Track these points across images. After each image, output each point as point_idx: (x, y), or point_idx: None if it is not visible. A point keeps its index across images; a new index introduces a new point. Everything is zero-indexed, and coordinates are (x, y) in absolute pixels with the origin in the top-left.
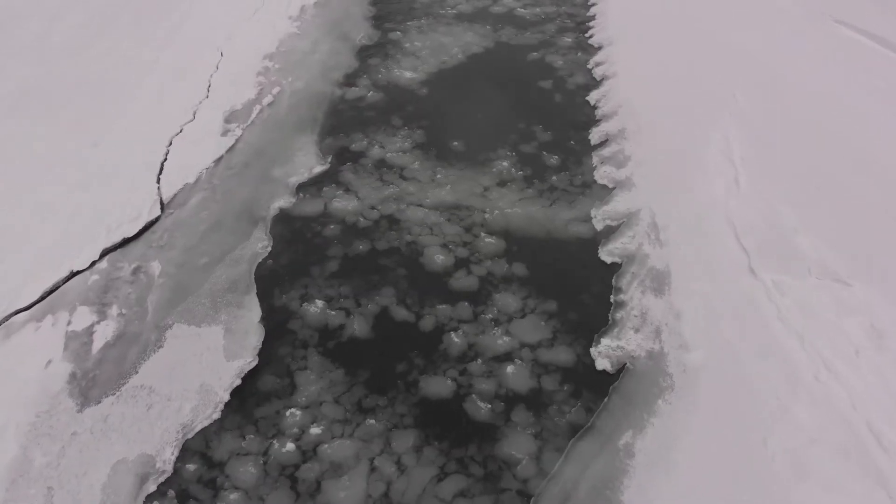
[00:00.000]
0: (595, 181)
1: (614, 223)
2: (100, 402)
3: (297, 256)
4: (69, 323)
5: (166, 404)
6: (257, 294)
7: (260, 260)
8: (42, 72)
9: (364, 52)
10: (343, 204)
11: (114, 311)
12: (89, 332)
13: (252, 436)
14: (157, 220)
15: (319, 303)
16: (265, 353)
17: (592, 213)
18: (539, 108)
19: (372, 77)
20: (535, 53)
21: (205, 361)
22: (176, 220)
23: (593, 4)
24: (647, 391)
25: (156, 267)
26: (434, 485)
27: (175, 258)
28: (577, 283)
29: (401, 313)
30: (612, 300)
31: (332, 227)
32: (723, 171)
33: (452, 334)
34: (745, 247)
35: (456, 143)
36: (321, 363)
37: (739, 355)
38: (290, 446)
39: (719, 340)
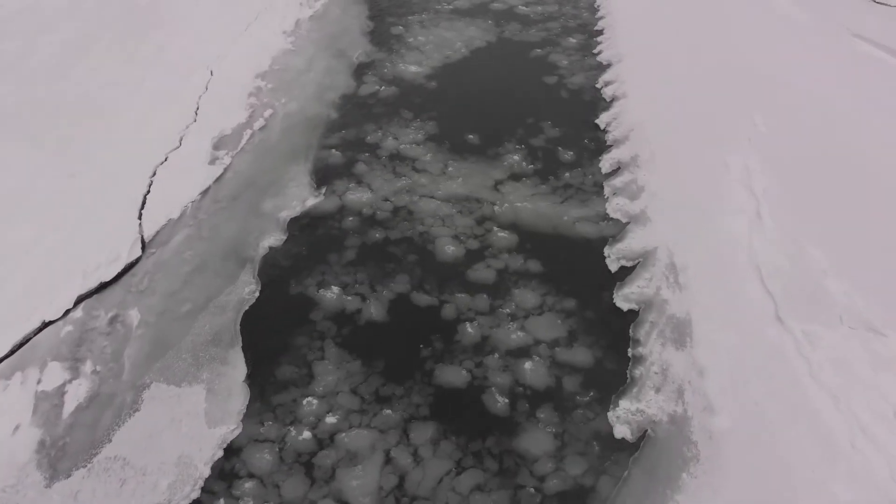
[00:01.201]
0: (608, 214)
1: (629, 263)
2: (70, 475)
3: (287, 300)
4: (39, 381)
5: (141, 479)
6: (242, 347)
7: (247, 307)
8: (20, 95)
9: (360, 68)
10: (357, 196)
11: (87, 367)
12: (61, 392)
13: (270, 422)
14: (137, 261)
15: (335, 288)
16: (282, 343)
17: (606, 251)
18: (546, 103)
19: (378, 72)
20: (538, 50)
21: (184, 429)
22: (157, 261)
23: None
24: (669, 463)
25: (134, 316)
26: (450, 477)
27: (155, 305)
28: (594, 334)
29: (410, 303)
30: (630, 354)
31: (349, 219)
32: (744, 205)
33: (466, 325)
34: (772, 291)
35: (465, 137)
36: (338, 354)
37: (769, 419)
38: (307, 434)
39: (747, 402)
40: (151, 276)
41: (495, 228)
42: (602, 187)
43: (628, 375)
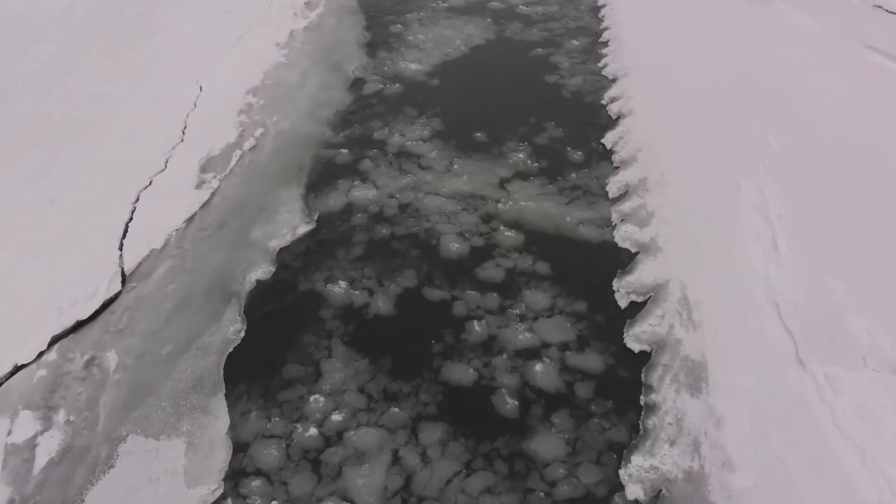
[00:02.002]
0: (616, 242)
1: (640, 298)
2: None
3: (273, 341)
4: (10, 433)
5: None
6: (226, 395)
7: (231, 349)
8: (4, 110)
9: (357, 85)
10: (363, 193)
11: (61, 417)
12: (32, 444)
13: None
14: (116, 296)
15: (343, 283)
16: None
17: (615, 285)
18: (548, 102)
19: (379, 69)
20: (540, 49)
21: (162, 488)
22: (138, 296)
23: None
24: None
25: (111, 358)
26: (458, 477)
27: (134, 347)
28: (604, 382)
29: (414, 302)
30: (642, 402)
31: (358, 216)
32: (759, 233)
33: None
34: (791, 330)
35: (469, 134)
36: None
37: (792, 476)
38: (313, 431)
39: (768, 456)
40: (131, 313)
41: (502, 227)
42: (606, 183)
43: (641, 426)
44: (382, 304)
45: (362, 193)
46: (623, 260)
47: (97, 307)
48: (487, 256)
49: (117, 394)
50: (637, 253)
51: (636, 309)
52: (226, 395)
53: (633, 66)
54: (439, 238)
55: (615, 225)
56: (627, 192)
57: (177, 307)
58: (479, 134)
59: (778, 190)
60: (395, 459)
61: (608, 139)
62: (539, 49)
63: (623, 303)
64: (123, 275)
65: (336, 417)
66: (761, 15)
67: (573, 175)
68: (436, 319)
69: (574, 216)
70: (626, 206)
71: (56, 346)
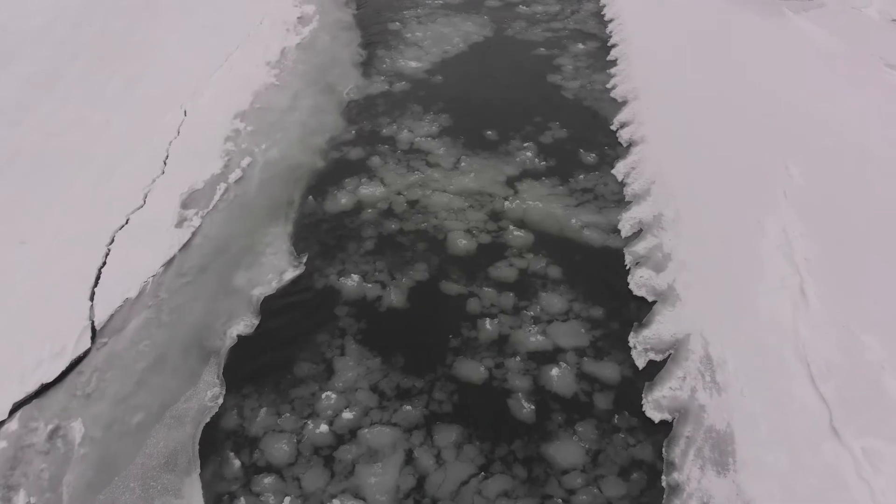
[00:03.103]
0: (630, 291)
1: (659, 356)
2: None
3: (252, 412)
4: None
5: None
6: (200, 474)
7: (208, 418)
8: None
9: (354, 107)
10: (371, 190)
11: (21, 498)
12: None
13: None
14: (85, 354)
15: (355, 277)
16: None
17: (631, 341)
18: (551, 100)
19: (378, 66)
20: (543, 49)
21: None
22: (109, 354)
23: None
24: None
25: (77, 429)
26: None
27: (103, 415)
28: (621, 462)
29: (422, 295)
30: (664, 481)
31: (365, 210)
32: (785, 279)
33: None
34: (824, 394)
35: (471, 129)
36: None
37: None
38: (324, 427)
39: None
40: (101, 374)
41: (510, 226)
42: (612, 184)
43: None
44: (395, 299)
45: (370, 191)
46: (639, 310)
47: (64, 368)
48: (498, 255)
49: (82, 472)
50: (654, 302)
51: (654, 368)
52: (200, 473)
53: (643, 87)
54: (446, 234)
55: (628, 268)
56: (641, 230)
57: (150, 367)
58: (480, 133)
59: (802, 228)
60: (409, 459)
61: (619, 169)
62: (542, 49)
63: (641, 362)
64: (94, 329)
65: (347, 415)
66: (776, 31)
67: (581, 176)
68: (434, 320)
69: (580, 218)
70: (640, 247)
71: (18, 414)
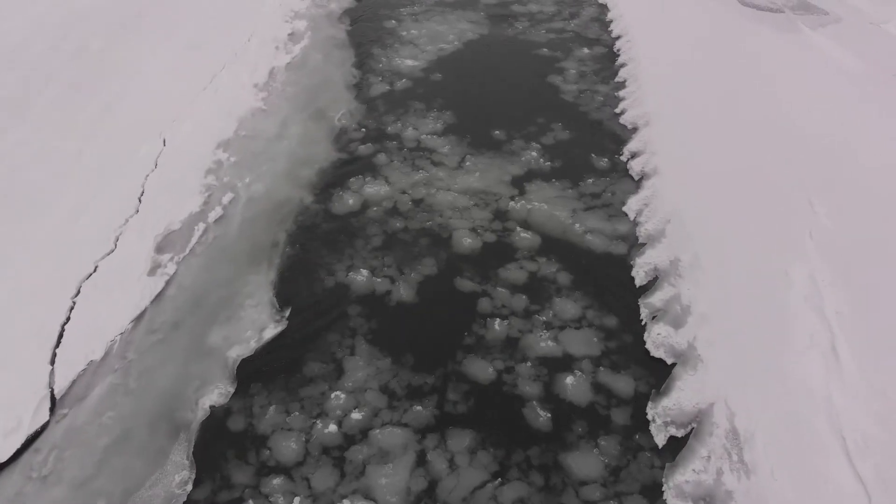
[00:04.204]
0: (646, 347)
1: (680, 432)
2: None
3: (230, 492)
4: None
5: None
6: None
7: None
8: None
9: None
10: (375, 189)
11: None
12: None
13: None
14: (43, 428)
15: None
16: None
17: (649, 413)
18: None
19: (373, 65)
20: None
21: None
22: (69, 428)
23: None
24: None
25: None
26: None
27: (60, 503)
28: None
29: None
30: None
31: (370, 208)
32: (815, 336)
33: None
34: (861, 475)
35: (471, 126)
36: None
37: None
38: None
39: None
40: (59, 453)
41: (515, 226)
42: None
43: None
44: (403, 294)
45: (375, 189)
46: (657, 373)
47: (18, 446)
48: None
49: None
50: (674, 365)
51: (676, 447)
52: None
53: (654, 112)
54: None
55: (644, 322)
56: (657, 277)
57: (114, 445)
58: (477, 127)
59: (831, 276)
60: (421, 461)
61: (631, 206)
62: (545, 49)
63: (661, 438)
64: (53, 399)
65: (356, 415)
66: (793, 49)
67: (591, 180)
68: (435, 317)
69: (584, 223)
70: (656, 299)
71: None
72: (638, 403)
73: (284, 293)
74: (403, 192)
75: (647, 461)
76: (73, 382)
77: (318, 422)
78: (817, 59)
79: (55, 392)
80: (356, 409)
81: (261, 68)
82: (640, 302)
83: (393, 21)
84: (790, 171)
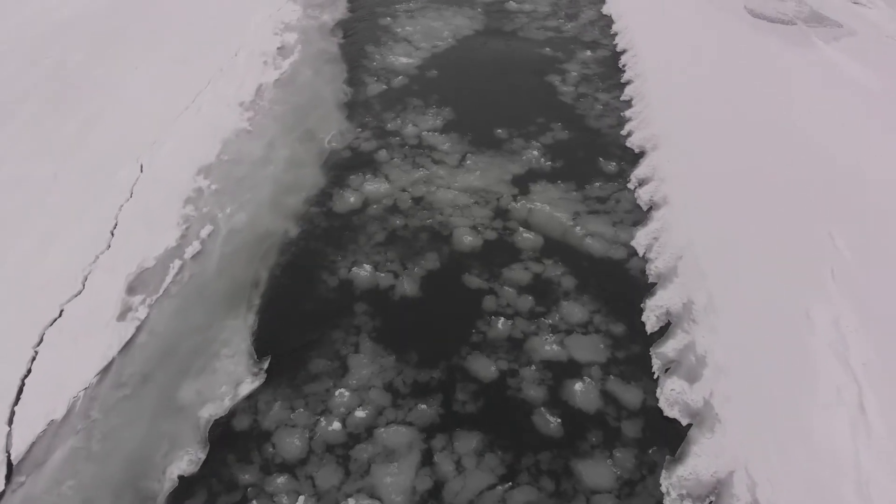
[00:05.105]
0: (659, 405)
1: None
2: None
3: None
4: None
5: None
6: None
7: None
8: None
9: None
10: (375, 187)
11: None
12: None
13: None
14: None
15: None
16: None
17: (664, 484)
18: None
19: (367, 64)
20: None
21: None
22: (25, 498)
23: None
24: None
25: None
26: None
27: None
28: None
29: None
30: None
31: (371, 206)
32: (841, 391)
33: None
34: None
35: (468, 124)
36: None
37: None
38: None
39: None
40: None
41: (515, 224)
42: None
43: None
44: (407, 289)
45: (375, 187)
46: (671, 434)
47: None
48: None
49: None
50: (689, 426)
51: None
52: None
53: (663, 133)
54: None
55: (656, 376)
56: (669, 323)
57: None
58: (474, 125)
59: (856, 320)
60: (426, 461)
61: (640, 240)
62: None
63: None
64: (10, 465)
65: (360, 413)
66: (807, 65)
67: (597, 183)
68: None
69: (585, 226)
70: (669, 348)
71: None
72: (651, 472)
73: (263, 339)
74: (404, 190)
75: None
76: (32, 445)
77: (321, 419)
78: (832, 75)
79: (12, 457)
80: (360, 408)
81: (247, 85)
82: (652, 352)
83: (388, 18)
84: (807, 200)
